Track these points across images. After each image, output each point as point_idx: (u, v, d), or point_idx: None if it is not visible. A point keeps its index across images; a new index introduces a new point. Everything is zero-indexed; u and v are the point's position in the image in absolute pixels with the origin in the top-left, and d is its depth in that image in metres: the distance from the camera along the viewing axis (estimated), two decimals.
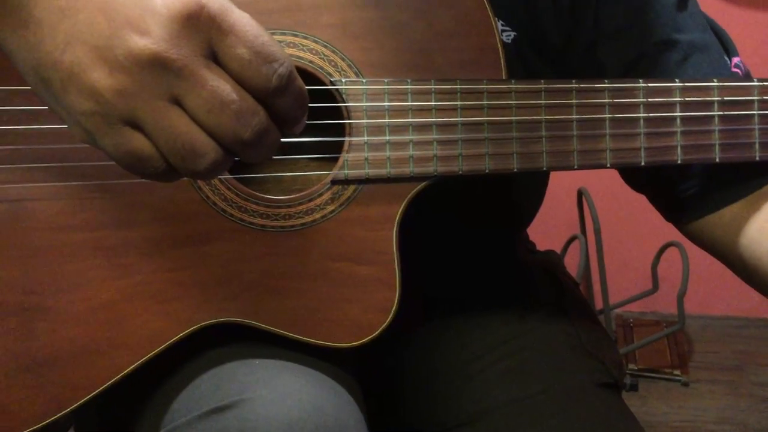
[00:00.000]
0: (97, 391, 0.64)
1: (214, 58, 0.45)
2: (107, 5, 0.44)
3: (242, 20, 0.45)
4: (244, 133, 0.46)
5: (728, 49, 0.77)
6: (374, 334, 0.68)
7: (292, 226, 0.67)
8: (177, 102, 0.45)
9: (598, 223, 2.03)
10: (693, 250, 0.82)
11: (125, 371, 0.64)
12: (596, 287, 2.13)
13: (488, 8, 0.68)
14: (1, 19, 0.45)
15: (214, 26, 0.44)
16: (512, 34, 0.76)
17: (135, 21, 0.44)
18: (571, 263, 2.15)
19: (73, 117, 0.46)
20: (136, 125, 0.45)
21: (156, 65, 0.44)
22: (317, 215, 0.67)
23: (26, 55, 0.45)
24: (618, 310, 2.33)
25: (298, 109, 0.49)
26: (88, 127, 0.46)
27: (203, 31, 0.44)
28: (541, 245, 1.05)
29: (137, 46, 0.43)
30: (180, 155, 0.46)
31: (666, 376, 2.07)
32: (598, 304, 2.10)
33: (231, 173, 0.66)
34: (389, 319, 0.68)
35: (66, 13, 0.44)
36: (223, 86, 0.45)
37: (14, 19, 0.45)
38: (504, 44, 0.69)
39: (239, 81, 0.46)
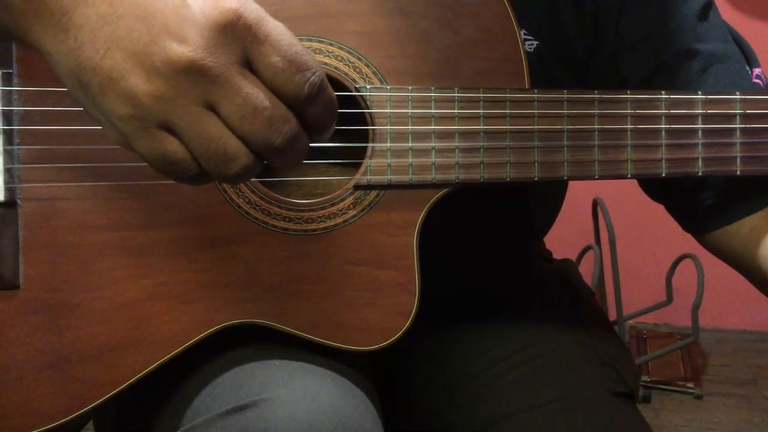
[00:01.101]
0: (119, 388, 0.65)
1: (249, 65, 0.46)
2: (147, 13, 0.45)
3: (277, 29, 0.46)
4: (275, 139, 0.47)
5: (750, 60, 0.77)
6: (393, 338, 0.68)
7: (314, 230, 0.68)
8: (211, 108, 0.46)
9: (613, 233, 2.02)
10: (708, 263, 0.83)
11: (147, 369, 0.65)
12: (610, 298, 2.13)
13: (512, 18, 0.68)
14: (43, 24, 0.47)
15: (250, 35, 0.45)
16: (534, 43, 0.76)
17: (173, 28, 0.45)
18: (585, 273, 2.13)
19: (110, 120, 0.47)
20: (170, 129, 0.46)
21: (192, 72, 0.45)
22: (339, 220, 0.68)
23: (66, 59, 0.46)
24: (631, 322, 2.32)
25: (328, 117, 0.50)
26: (124, 131, 0.47)
27: (239, 40, 0.45)
28: (556, 255, 1.05)
29: (175, 53, 0.44)
30: (212, 159, 0.47)
31: (679, 389, 2.06)
32: (612, 315, 2.10)
33: (255, 176, 0.66)
34: (408, 323, 0.68)
35: (106, 20, 0.45)
36: (256, 93, 0.46)
37: (55, 23, 0.46)
38: (527, 53, 0.70)
39: (272, 88, 0.47)
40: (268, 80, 0.46)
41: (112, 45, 0.45)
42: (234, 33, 0.45)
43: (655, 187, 0.82)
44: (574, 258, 2.20)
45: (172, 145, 0.47)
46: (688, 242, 0.83)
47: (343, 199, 0.68)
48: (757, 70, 0.76)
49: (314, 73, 0.47)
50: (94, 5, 0.45)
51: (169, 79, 0.45)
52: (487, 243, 0.86)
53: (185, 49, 0.44)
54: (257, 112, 0.46)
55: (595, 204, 2.15)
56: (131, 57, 0.45)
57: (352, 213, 0.68)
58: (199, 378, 0.69)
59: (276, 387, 0.63)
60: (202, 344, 0.67)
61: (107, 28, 0.45)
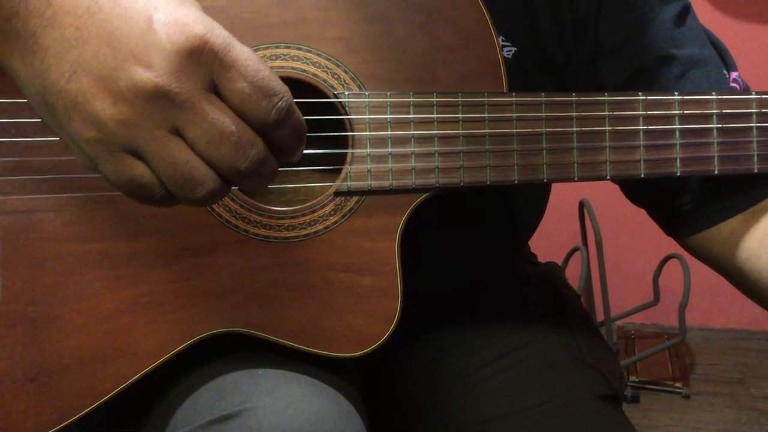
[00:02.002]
0: (101, 400, 0.64)
1: (216, 90, 0.47)
2: (113, 37, 0.45)
3: (243, 55, 0.46)
4: (242, 164, 0.47)
5: (727, 64, 0.78)
6: (377, 344, 0.68)
7: (296, 237, 0.67)
8: (178, 132, 0.46)
9: (599, 234, 2.03)
10: (694, 263, 0.83)
11: (129, 381, 0.65)
12: (598, 299, 2.13)
13: (489, 22, 0.68)
14: (9, 45, 0.46)
15: (216, 61, 0.46)
16: (513, 49, 0.77)
17: (139, 54, 0.45)
18: (573, 275, 2.15)
19: (76, 143, 0.47)
20: (137, 154, 0.47)
21: (158, 97, 0.45)
22: (320, 226, 0.68)
23: (32, 82, 0.46)
24: (619, 322, 2.33)
25: (296, 141, 0.50)
26: (91, 154, 0.47)
27: (205, 65, 0.46)
28: (543, 256, 1.06)
29: (141, 79, 0.44)
30: (179, 183, 0.47)
31: (667, 389, 2.07)
32: (600, 315, 2.10)
33: None
34: (391, 328, 0.68)
35: (72, 44, 0.45)
36: (222, 119, 0.46)
37: (22, 46, 0.46)
38: (505, 59, 0.70)
39: (239, 113, 0.47)
40: (235, 105, 0.47)
41: (78, 69, 0.45)
42: (200, 59, 0.45)
43: (635, 191, 0.83)
44: (561, 259, 2.21)
45: (139, 169, 0.47)
46: (674, 243, 0.84)
47: (323, 206, 0.68)
48: (734, 74, 0.77)
49: (281, 98, 0.47)
50: (60, 28, 0.45)
51: (135, 104, 0.45)
52: (470, 246, 0.86)
53: (151, 74, 0.44)
54: (224, 137, 0.46)
55: (582, 206, 2.16)
56: (97, 81, 0.45)
57: (333, 219, 0.68)
58: (182, 388, 0.68)
59: (259, 396, 0.63)
60: (185, 354, 0.66)
61: (73, 51, 0.45)
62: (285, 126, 0.48)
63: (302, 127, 0.50)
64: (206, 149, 0.46)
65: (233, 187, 0.51)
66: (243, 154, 0.47)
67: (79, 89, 0.45)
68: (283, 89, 0.48)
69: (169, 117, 0.45)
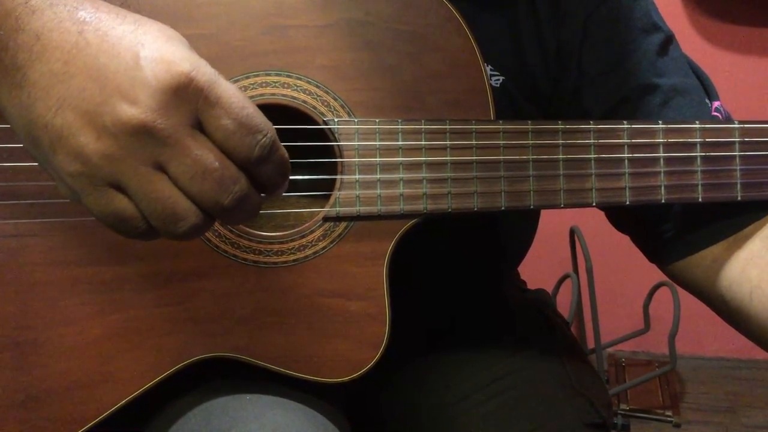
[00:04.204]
0: (88, 425, 0.64)
1: (200, 127, 0.47)
2: (99, 73, 0.46)
3: (228, 92, 0.47)
4: (225, 199, 0.48)
5: (709, 93, 0.79)
6: (364, 370, 0.68)
7: (284, 262, 0.68)
8: (161, 168, 0.47)
9: (590, 261, 2.04)
10: (684, 291, 0.83)
11: (117, 406, 0.64)
12: (588, 326, 2.13)
13: (477, 51, 0.70)
14: None
15: (201, 98, 0.46)
16: (501, 78, 0.78)
17: (125, 90, 0.45)
18: (564, 302, 2.15)
19: (60, 176, 0.47)
20: (120, 188, 0.47)
21: (143, 133, 0.45)
22: (309, 251, 0.68)
23: (19, 114, 0.47)
24: (610, 350, 2.33)
25: (279, 177, 0.51)
26: (74, 187, 0.47)
27: (190, 102, 0.46)
28: (534, 283, 1.06)
29: (126, 115, 0.45)
30: (161, 218, 0.48)
31: (658, 417, 2.06)
32: (590, 343, 2.10)
33: None
34: (379, 354, 0.68)
35: (59, 78, 0.46)
36: (206, 155, 0.47)
37: (10, 79, 0.46)
38: (492, 87, 0.71)
39: (223, 150, 0.48)
40: (219, 142, 0.47)
41: (63, 103, 0.45)
42: (185, 96, 0.46)
43: (620, 218, 0.83)
44: (552, 286, 2.22)
45: (122, 203, 0.47)
46: None
47: (312, 231, 0.68)
48: (716, 104, 0.78)
49: (265, 135, 0.48)
50: (48, 63, 0.46)
51: (119, 139, 0.45)
52: (460, 273, 0.87)
53: (136, 110, 0.45)
54: (206, 173, 0.47)
55: (573, 232, 2.17)
56: (82, 116, 0.45)
57: (322, 245, 0.68)
58: (169, 412, 0.68)
59: (246, 421, 0.63)
60: (172, 378, 0.66)
61: (60, 86, 0.46)
62: (268, 162, 0.49)
63: (286, 163, 0.51)
64: (189, 185, 0.47)
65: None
66: (226, 189, 0.47)
67: (64, 123, 0.45)
68: (267, 126, 0.48)
69: (153, 153, 0.46)
